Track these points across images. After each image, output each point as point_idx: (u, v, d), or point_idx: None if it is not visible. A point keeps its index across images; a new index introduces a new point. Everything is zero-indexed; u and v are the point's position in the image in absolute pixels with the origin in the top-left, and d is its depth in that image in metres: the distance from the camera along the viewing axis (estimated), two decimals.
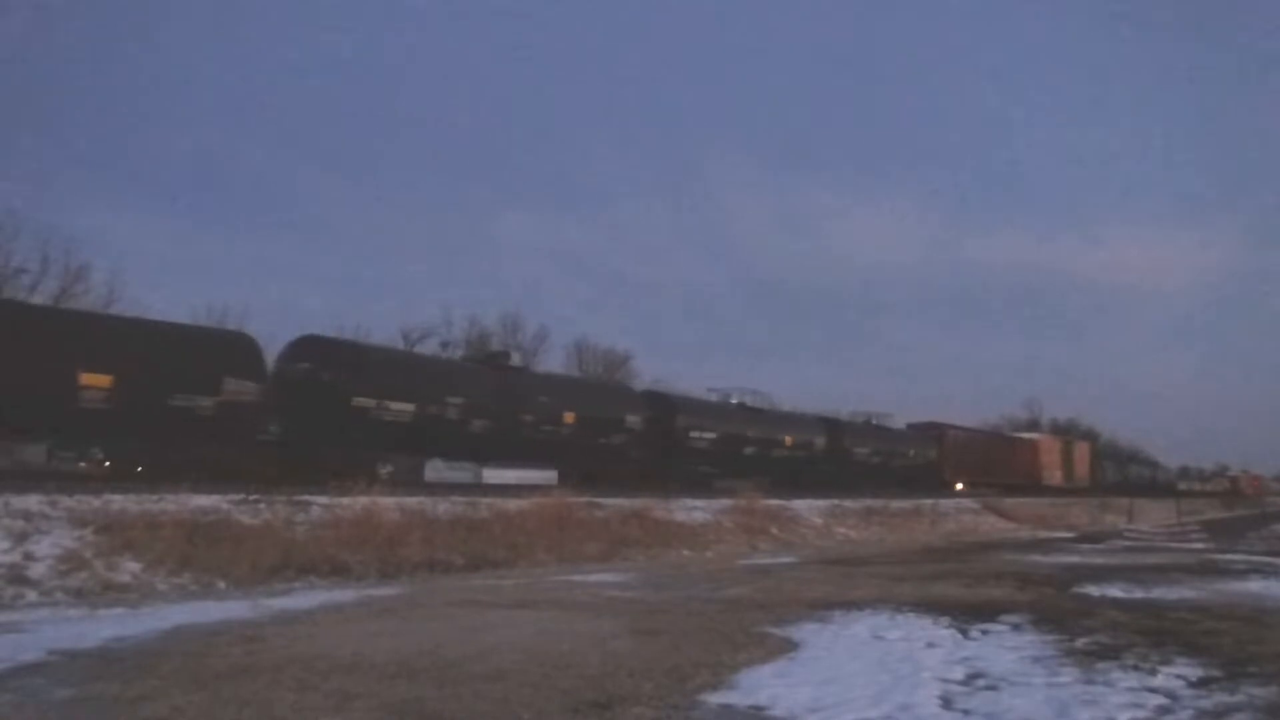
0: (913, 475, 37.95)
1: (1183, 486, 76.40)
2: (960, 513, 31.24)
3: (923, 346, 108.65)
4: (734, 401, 31.86)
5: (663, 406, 28.12)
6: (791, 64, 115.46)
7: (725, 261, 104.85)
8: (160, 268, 59.50)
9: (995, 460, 45.35)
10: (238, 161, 77.87)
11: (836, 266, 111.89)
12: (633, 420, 25.83)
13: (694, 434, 28.21)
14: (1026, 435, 54.70)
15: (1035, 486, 46.44)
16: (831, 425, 35.44)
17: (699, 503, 20.72)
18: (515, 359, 26.40)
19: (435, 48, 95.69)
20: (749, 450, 30.30)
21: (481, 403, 21.81)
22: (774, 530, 21.02)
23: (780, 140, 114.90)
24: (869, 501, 27.29)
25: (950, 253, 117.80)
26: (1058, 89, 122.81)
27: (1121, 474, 64.47)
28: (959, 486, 40.12)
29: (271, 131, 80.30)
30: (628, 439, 25.59)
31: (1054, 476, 50.39)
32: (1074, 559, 17.40)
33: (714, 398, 32.20)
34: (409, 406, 19.93)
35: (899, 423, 41.92)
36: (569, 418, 23.83)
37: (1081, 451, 56.99)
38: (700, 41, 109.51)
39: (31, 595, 9.26)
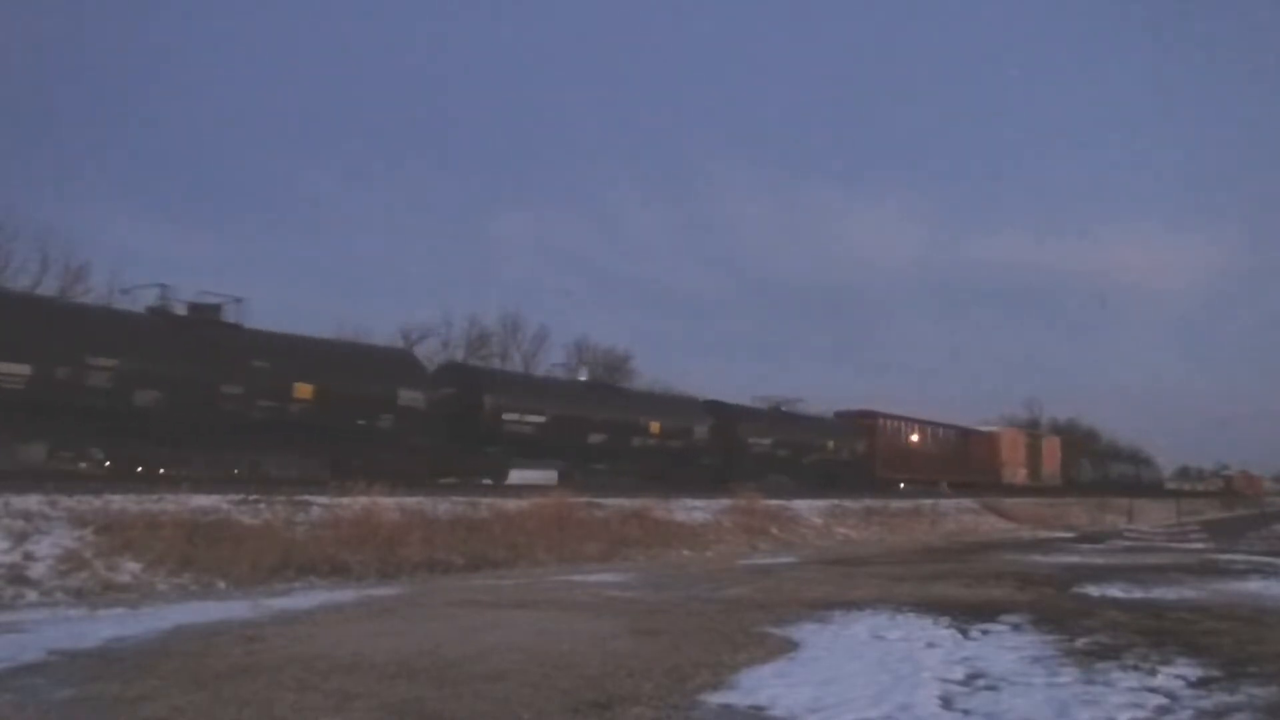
0: (834, 471, 33.02)
1: (1173, 486, 73.35)
2: (960, 513, 31.26)
3: (923, 346, 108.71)
4: (583, 379, 27.27)
5: (469, 383, 23.49)
6: (790, 64, 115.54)
7: (725, 261, 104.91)
8: (160, 268, 59.53)
9: (943, 454, 41.00)
10: (238, 161, 77.90)
11: (836, 266, 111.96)
12: (410, 397, 20.47)
13: (508, 416, 22.64)
14: (985, 428, 48.19)
15: (993, 485, 42.28)
16: (719, 411, 29.66)
17: (699, 503, 20.72)
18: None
19: (436, 49, 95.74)
20: (596, 438, 24.74)
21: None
22: (774, 530, 21.03)
23: (779, 140, 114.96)
24: (869, 501, 27.32)
25: (950, 252, 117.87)
26: (1057, 89, 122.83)
27: (1101, 472, 59.97)
28: (902, 486, 36.60)
29: (271, 131, 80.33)
30: (401, 423, 20.15)
31: (1017, 474, 46.54)
32: (1074, 559, 17.41)
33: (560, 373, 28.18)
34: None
35: (816, 410, 37.20)
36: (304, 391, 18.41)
37: (1051, 447, 52.96)
38: (699, 42, 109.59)
39: (31, 595, 9.26)
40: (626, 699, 5.18)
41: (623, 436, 25.48)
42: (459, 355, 42.49)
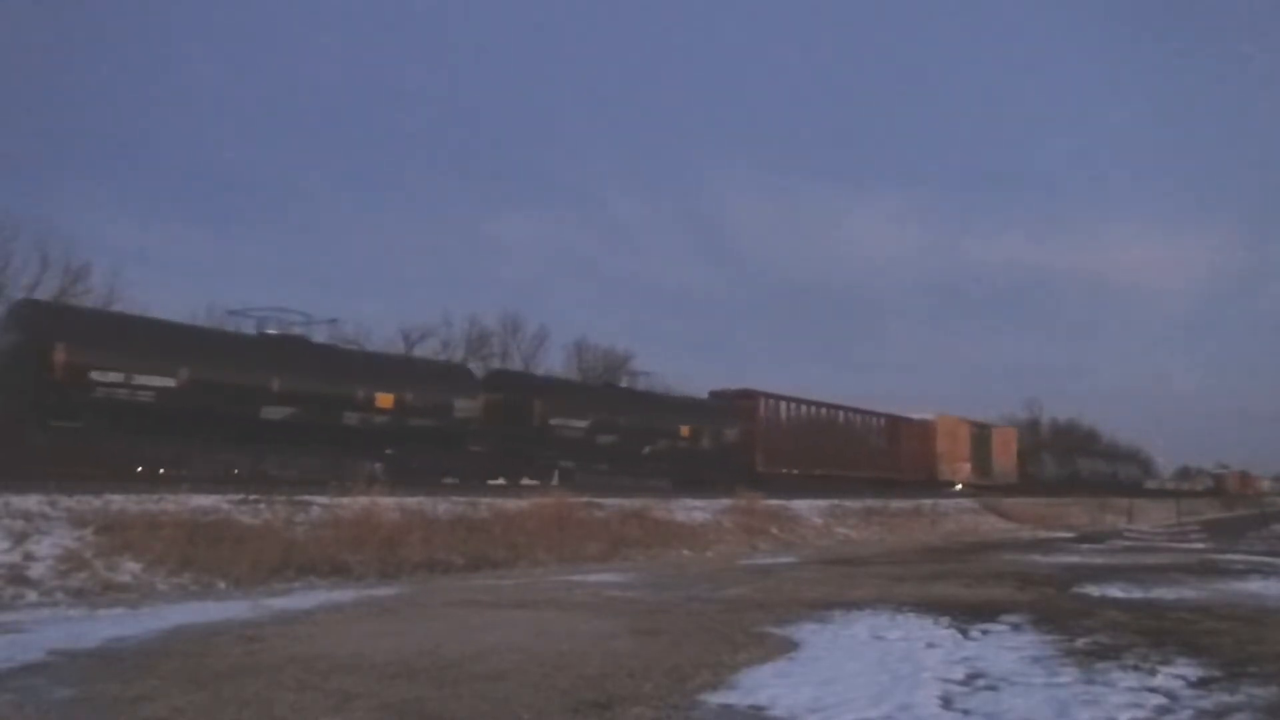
0: (692, 463, 27.71)
1: (1152, 485, 66.64)
2: (960, 513, 31.32)
3: (923, 346, 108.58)
4: (298, 332, 20.24)
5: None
6: (790, 64, 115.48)
7: (725, 261, 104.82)
8: (160, 268, 59.55)
9: (854, 446, 34.71)
10: (237, 161, 77.86)
11: (836, 266, 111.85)
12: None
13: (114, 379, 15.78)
14: (917, 415, 39.75)
15: (926, 484, 36.81)
16: (504, 382, 25.39)
17: (699, 502, 20.74)
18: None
19: (435, 50, 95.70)
20: (288, 413, 18.35)
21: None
22: (774, 530, 21.04)
23: (779, 140, 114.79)
24: (869, 501, 27.38)
25: (950, 252, 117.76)
26: (1056, 89, 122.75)
27: (1067, 469, 53.66)
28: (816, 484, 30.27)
29: (271, 132, 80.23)
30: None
31: (959, 471, 40.55)
32: (1074, 559, 17.41)
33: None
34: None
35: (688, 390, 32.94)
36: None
37: (1004, 439, 46.33)
38: (699, 42, 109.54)
39: (31, 595, 9.26)
40: (626, 699, 5.18)
41: (325, 410, 19.20)
42: (459, 355, 42.56)
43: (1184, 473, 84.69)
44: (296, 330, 20.52)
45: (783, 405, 32.16)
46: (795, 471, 31.13)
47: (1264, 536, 30.07)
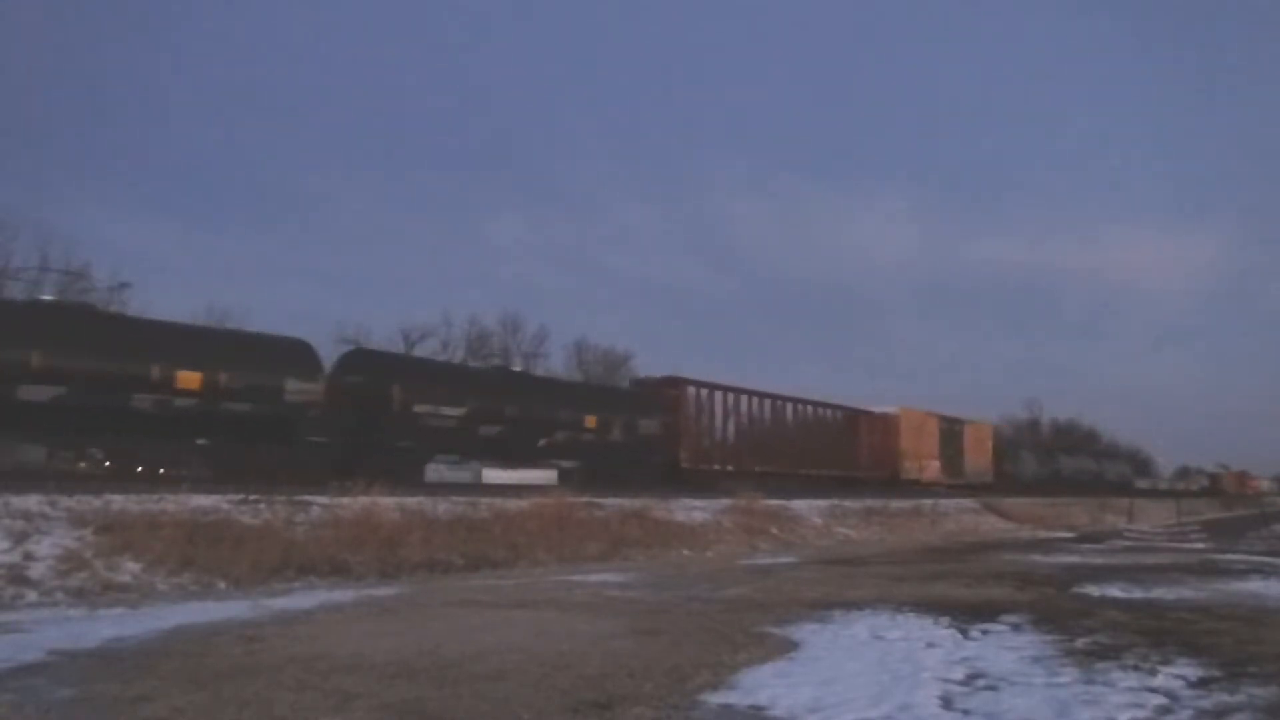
0: (601, 458, 24.48)
1: (1144, 485, 63.55)
2: (960, 513, 31.32)
3: (923, 346, 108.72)
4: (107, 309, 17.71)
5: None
6: (788, 64, 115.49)
7: (725, 261, 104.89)
8: (160, 268, 59.56)
9: (805, 441, 32.15)
10: (237, 162, 77.87)
11: (836, 266, 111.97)
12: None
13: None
14: (879, 409, 36.92)
15: (888, 483, 34.40)
16: (367, 364, 21.55)
17: (699, 502, 20.75)
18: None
19: (435, 50, 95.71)
20: (54, 393, 15.56)
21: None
22: (774, 530, 21.04)
23: (778, 140, 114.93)
24: (869, 501, 27.38)
25: (949, 252, 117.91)
26: (1056, 89, 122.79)
27: (1049, 468, 50.94)
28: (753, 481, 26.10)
29: (271, 132, 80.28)
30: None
31: (926, 468, 37.85)
32: (1074, 559, 17.41)
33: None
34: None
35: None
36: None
37: (978, 435, 43.32)
38: (697, 42, 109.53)
39: (31, 595, 9.26)
40: (626, 699, 5.18)
41: (108, 391, 16.30)
42: (459, 355, 42.57)
43: (1183, 473, 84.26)
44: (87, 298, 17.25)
45: (717, 395, 29.18)
46: (730, 468, 28.31)
47: (1264, 536, 30.07)
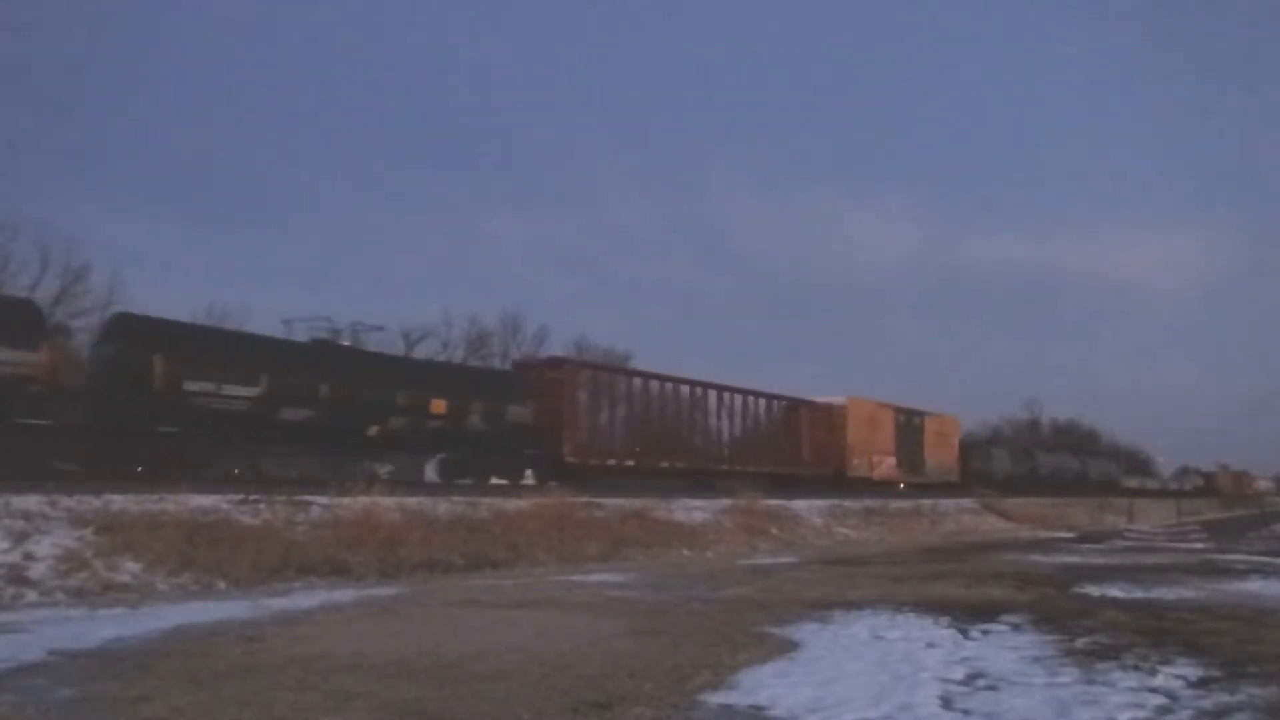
0: (457, 448, 20.90)
1: (1132, 484, 58.70)
2: (960, 513, 31.38)
3: (922, 346, 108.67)
4: None
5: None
6: (787, 63, 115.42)
7: (724, 260, 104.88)
8: (160, 268, 59.59)
9: (732, 434, 28.92)
10: (237, 162, 77.85)
11: (835, 266, 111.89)
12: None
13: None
14: (823, 398, 33.29)
15: (834, 480, 31.66)
16: (127, 331, 17.01)
17: (699, 503, 20.77)
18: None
19: (435, 50, 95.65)
20: None
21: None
22: (774, 530, 21.07)
23: (777, 139, 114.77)
24: (869, 501, 27.43)
25: (949, 252, 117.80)
26: (1054, 89, 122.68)
27: (1024, 466, 47.10)
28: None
29: (271, 132, 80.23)
30: None
31: (879, 465, 34.58)
32: (1074, 559, 17.42)
33: None
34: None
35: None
36: None
37: (941, 429, 39.40)
38: (697, 42, 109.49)
39: (32, 595, 9.26)
40: (627, 699, 5.18)
41: None
42: (459, 355, 42.61)
43: (1183, 473, 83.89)
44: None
45: (614, 380, 25.90)
46: (630, 463, 24.94)
47: (1264, 536, 30.07)
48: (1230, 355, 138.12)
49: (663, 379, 27.20)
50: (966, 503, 33.88)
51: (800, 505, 23.91)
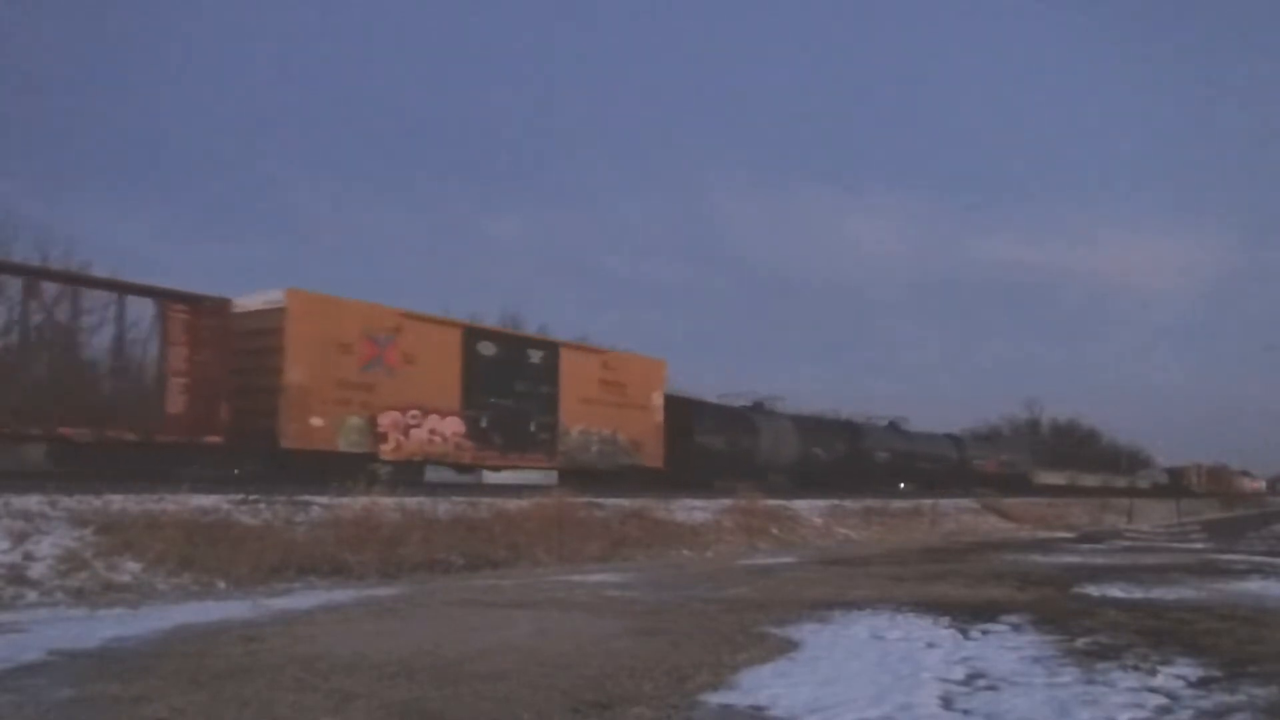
0: None
1: (1056, 481, 50.83)
2: (960, 513, 31.42)
3: (922, 346, 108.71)
4: None
5: None
6: (786, 64, 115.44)
7: (723, 260, 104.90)
8: (160, 268, 59.57)
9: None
10: (237, 163, 77.86)
11: (834, 266, 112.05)
12: None
13: None
14: (244, 298, 17.45)
15: (263, 452, 16.46)
16: None
17: (699, 502, 20.80)
18: None
19: (435, 51, 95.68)
20: None
21: None
22: (774, 530, 21.08)
23: (776, 140, 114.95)
24: (869, 501, 27.48)
25: (948, 252, 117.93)
26: (1053, 89, 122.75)
27: (794, 451, 30.17)
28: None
29: (271, 134, 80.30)
30: None
31: (412, 428, 18.26)
32: (1074, 559, 17.41)
33: None
34: None
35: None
36: None
37: (616, 378, 23.94)
38: (695, 42, 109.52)
39: (31, 595, 9.25)
40: (626, 699, 5.18)
41: None
42: None
43: (1147, 470, 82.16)
44: None
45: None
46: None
47: (1264, 536, 30.07)
48: (1229, 354, 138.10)
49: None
50: (967, 503, 34.01)
51: (800, 505, 24.00)
